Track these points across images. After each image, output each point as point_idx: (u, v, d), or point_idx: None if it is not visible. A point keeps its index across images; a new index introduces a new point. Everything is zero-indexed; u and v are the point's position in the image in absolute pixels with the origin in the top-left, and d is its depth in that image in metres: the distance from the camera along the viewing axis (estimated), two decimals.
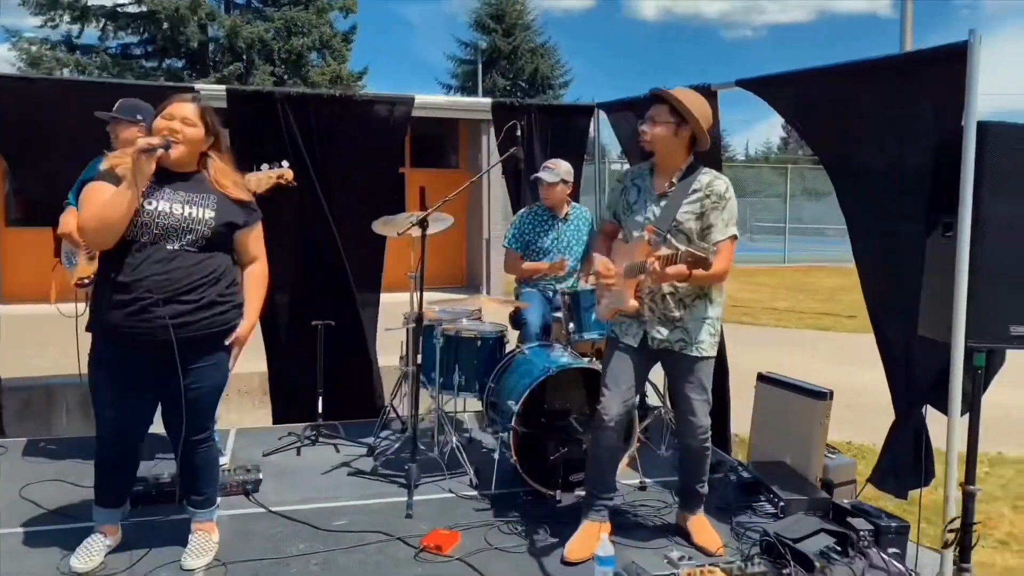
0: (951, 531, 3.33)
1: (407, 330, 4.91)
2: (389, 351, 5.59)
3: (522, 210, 5.27)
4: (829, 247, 22.92)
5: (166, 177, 3.08)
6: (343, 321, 5.22)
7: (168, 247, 2.99)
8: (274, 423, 5.44)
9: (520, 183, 5.59)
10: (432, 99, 11.40)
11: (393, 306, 6.10)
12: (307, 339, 5.08)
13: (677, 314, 3.39)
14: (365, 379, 5.47)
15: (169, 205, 3.03)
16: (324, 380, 5.01)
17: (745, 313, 13.15)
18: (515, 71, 38.40)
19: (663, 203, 3.37)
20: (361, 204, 5.26)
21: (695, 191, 3.35)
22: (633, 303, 3.36)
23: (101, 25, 24.97)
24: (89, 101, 4.23)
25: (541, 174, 5.08)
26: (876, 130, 3.75)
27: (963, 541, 3.37)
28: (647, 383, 4.20)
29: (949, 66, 3.22)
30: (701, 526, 3.63)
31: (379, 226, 4.39)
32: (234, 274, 3.22)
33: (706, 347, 3.43)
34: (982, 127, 3.11)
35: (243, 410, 7.08)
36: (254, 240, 3.30)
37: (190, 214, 3.04)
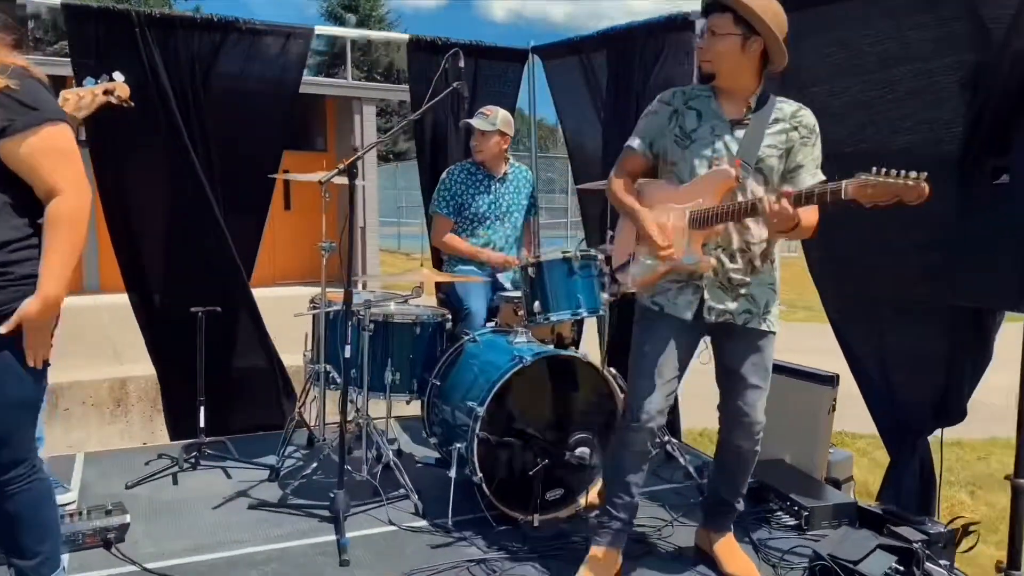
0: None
1: (315, 317, 3.89)
2: (285, 348, 4.52)
3: (451, 167, 4.35)
4: None
5: None
6: (230, 311, 4.12)
7: None
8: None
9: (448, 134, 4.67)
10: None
11: (272, 301, 5.01)
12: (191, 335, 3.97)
13: (746, 278, 2.64)
14: (262, 382, 4.36)
15: None
16: (206, 385, 3.88)
17: None
18: (370, 63, 37.21)
19: (740, 133, 2.60)
20: (242, 165, 4.20)
21: (777, 121, 2.61)
22: (708, 260, 2.59)
23: None
24: None
25: (474, 121, 4.19)
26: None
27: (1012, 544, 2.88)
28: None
29: None
30: (731, 550, 2.87)
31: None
32: (12, 222, 2.11)
33: (774, 319, 2.69)
34: None
35: (89, 427, 5.73)
36: (38, 156, 2.09)
37: None
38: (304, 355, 4.05)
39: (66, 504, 3.30)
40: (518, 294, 3.94)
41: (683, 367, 2.72)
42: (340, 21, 36.41)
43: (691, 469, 3.75)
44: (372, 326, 3.48)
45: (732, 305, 2.65)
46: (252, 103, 4.19)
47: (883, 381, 3.42)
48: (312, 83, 12.41)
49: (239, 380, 4.28)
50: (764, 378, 2.69)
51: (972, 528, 3.17)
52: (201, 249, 4.12)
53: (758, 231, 2.61)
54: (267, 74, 4.21)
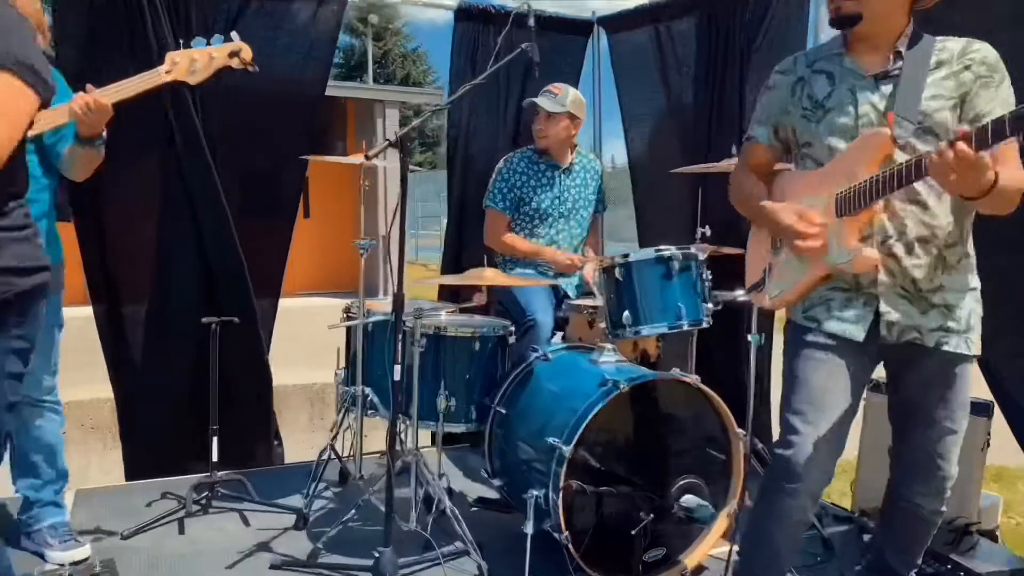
0: None
1: (351, 331, 3.26)
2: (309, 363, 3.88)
3: (509, 155, 3.71)
4: None
5: None
6: (237, 323, 3.47)
7: None
8: (128, 479, 3.59)
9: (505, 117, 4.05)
10: None
11: (288, 313, 4.37)
12: (174, 351, 3.37)
13: (937, 279, 1.97)
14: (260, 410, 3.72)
15: None
16: (220, 409, 3.22)
17: None
18: (386, 76, 37.09)
19: (887, 87, 1.96)
20: (264, 155, 3.60)
21: (942, 64, 1.94)
22: (870, 253, 1.92)
23: None
24: None
25: (540, 100, 3.55)
26: None
27: None
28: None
29: None
30: None
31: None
32: None
33: (976, 338, 2.02)
34: None
35: (89, 453, 5.11)
36: None
37: None
38: (336, 375, 3.42)
39: (80, 561, 2.69)
40: (591, 302, 3.29)
41: (855, 406, 2.04)
42: (358, 34, 36.29)
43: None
44: (424, 341, 2.83)
45: (921, 319, 1.98)
46: (277, 80, 3.56)
47: None
48: (332, 85, 11.85)
49: (249, 405, 3.63)
50: (962, 418, 2.03)
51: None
52: (206, 258, 3.49)
53: (942, 210, 1.96)
54: (294, 50, 3.60)
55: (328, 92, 3.79)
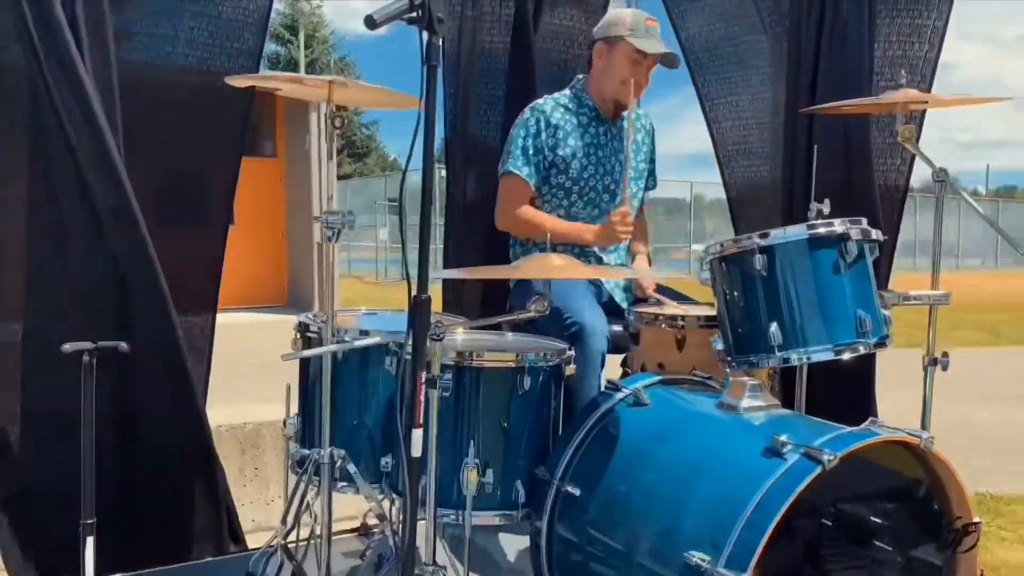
0: None
1: (307, 363, 2.10)
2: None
3: (541, 102, 2.58)
4: None
5: None
6: (149, 352, 2.23)
7: None
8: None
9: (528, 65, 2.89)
10: None
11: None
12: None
13: None
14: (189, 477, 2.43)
15: None
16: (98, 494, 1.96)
17: None
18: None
19: None
20: (187, 153, 2.45)
21: None
22: None
23: None
24: None
25: (638, 39, 2.43)
26: None
27: None
28: None
29: None
30: None
31: None
32: None
33: None
34: None
35: None
36: None
37: None
38: (284, 426, 2.22)
39: None
40: (675, 309, 2.21)
41: None
42: (284, 42, 35.25)
43: None
44: (449, 379, 1.68)
45: None
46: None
47: None
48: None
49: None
50: None
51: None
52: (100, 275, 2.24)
53: None
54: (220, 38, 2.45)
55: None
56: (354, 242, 19.81)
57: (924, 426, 2.13)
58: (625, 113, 2.54)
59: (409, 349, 1.48)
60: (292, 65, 34.76)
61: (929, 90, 2.68)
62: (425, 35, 1.29)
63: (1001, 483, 3.54)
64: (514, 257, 2.66)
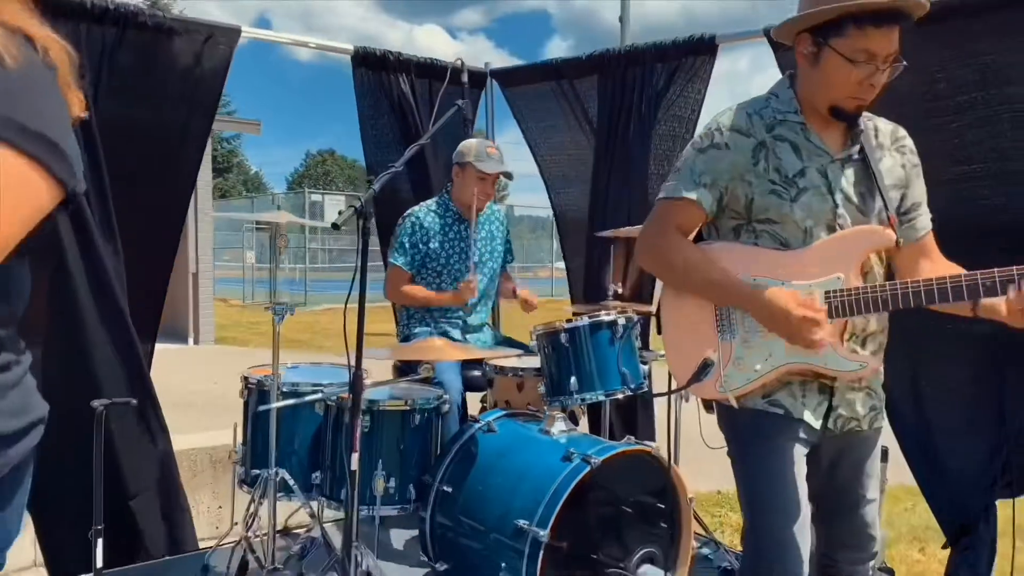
0: None
1: (248, 402, 2.94)
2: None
3: (416, 209, 3.53)
4: None
5: None
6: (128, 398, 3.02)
7: None
8: None
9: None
10: None
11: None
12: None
13: (875, 365, 1.95)
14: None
15: None
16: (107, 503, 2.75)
17: None
18: None
19: (850, 171, 1.91)
20: (144, 193, 3.18)
21: (882, 148, 1.96)
22: (875, 360, 1.93)
23: None
24: None
25: (480, 163, 3.37)
26: None
27: None
28: None
29: None
30: None
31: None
32: None
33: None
34: None
35: None
36: None
37: None
38: (232, 454, 3.06)
39: None
40: (516, 363, 3.20)
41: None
42: None
43: None
44: (368, 420, 2.60)
45: (860, 409, 1.94)
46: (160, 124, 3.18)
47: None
48: None
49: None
50: (878, 485, 2.07)
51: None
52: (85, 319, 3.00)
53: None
54: (177, 88, 3.22)
55: None
56: (218, 262, 19.89)
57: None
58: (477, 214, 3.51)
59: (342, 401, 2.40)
60: None
61: None
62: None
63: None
64: (401, 319, 3.60)
